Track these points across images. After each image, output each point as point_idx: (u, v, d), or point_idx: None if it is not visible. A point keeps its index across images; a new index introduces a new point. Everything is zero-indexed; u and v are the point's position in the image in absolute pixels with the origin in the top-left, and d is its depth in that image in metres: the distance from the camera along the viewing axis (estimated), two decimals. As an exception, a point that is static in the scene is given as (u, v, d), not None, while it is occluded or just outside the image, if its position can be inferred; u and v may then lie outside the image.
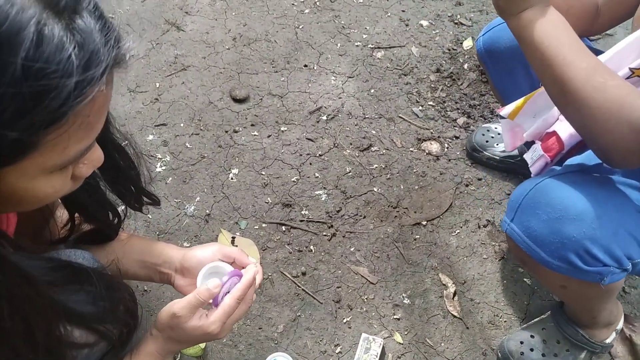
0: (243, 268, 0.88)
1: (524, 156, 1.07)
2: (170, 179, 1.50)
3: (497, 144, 1.50)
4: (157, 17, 1.95)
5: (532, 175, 1.04)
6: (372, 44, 1.87)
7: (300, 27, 1.93)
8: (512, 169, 1.49)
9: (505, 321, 1.24)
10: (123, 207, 0.91)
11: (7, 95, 0.42)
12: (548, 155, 0.98)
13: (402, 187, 1.48)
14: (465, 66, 1.79)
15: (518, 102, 1.08)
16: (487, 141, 1.51)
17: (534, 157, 1.01)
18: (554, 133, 1.00)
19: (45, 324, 0.57)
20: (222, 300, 0.80)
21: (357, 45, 1.86)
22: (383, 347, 1.17)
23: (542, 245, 0.82)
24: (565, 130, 0.99)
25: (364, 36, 1.90)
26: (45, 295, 0.57)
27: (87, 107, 0.48)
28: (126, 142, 0.83)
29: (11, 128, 0.43)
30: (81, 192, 0.81)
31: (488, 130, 1.54)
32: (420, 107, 1.67)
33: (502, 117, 1.17)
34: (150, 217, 1.42)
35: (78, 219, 0.88)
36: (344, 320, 1.24)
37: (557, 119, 1.02)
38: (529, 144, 1.15)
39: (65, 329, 0.61)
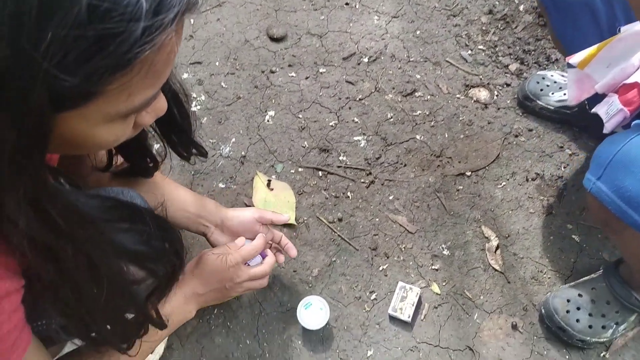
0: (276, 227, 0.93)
1: (597, 111, 0.98)
2: (205, 119, 1.47)
3: (552, 93, 1.39)
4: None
5: (605, 132, 0.94)
6: (419, -18, 1.73)
7: (343, -38, 1.80)
8: (567, 120, 1.39)
9: (549, 278, 1.18)
10: (158, 146, 0.88)
11: (70, 38, 0.38)
12: (628, 109, 0.89)
13: (446, 136, 1.40)
14: (521, 8, 1.65)
15: (590, 49, 0.98)
16: (541, 90, 1.40)
17: (611, 112, 0.92)
18: (636, 84, 0.89)
19: (106, 260, 0.56)
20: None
21: (403, -17, 1.74)
22: (420, 297, 1.14)
23: (638, 207, 0.74)
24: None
25: (412, -27, 1.76)
26: (104, 234, 0.55)
27: (155, 55, 0.44)
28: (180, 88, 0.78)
29: (74, 73, 0.39)
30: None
31: (543, 78, 1.42)
32: (470, 51, 1.56)
33: (570, 66, 1.06)
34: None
35: (115, 158, 0.86)
36: (380, 268, 1.20)
37: (638, 68, 0.92)
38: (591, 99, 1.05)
39: (124, 265, 0.60)
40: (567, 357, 1.09)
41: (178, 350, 1.11)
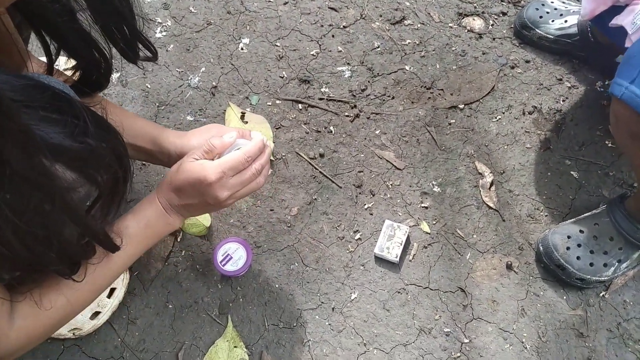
0: None
1: (619, 22, 0.86)
2: (171, 46, 1.31)
3: (552, 21, 1.28)
4: None
5: (627, 45, 0.84)
6: None
7: None
8: (567, 51, 1.28)
9: (546, 215, 1.10)
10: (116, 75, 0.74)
11: None
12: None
13: (437, 67, 1.28)
14: None
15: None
16: (540, 17, 1.29)
17: (638, 21, 0.80)
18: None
19: (22, 152, 0.43)
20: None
21: None
22: (408, 236, 1.04)
23: None
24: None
25: None
26: (18, 118, 0.42)
27: None
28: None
29: None
30: (50, 14, 0.65)
31: (543, 5, 1.31)
32: (464, -23, 1.42)
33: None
34: (148, 86, 1.25)
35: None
36: (365, 206, 1.10)
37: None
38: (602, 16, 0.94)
39: (48, 163, 0.47)
40: (564, 297, 1.01)
41: (140, 296, 1.00)
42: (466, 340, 0.97)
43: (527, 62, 1.29)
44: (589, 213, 1.04)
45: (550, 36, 1.27)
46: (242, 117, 1.19)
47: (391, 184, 1.13)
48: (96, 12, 0.67)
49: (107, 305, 0.94)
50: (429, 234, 1.07)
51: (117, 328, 0.97)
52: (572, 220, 1.04)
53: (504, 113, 1.22)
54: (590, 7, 0.97)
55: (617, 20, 0.87)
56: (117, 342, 0.96)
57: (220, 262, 0.97)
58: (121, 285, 0.97)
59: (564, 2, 1.31)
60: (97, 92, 0.80)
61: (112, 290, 0.95)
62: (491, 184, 1.12)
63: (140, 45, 0.76)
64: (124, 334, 0.97)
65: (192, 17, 1.36)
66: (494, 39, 1.33)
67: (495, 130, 1.20)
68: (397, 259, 1.01)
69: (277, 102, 1.24)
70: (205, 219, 1.04)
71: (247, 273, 1.02)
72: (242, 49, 1.31)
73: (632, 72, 0.69)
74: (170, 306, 1.00)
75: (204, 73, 1.27)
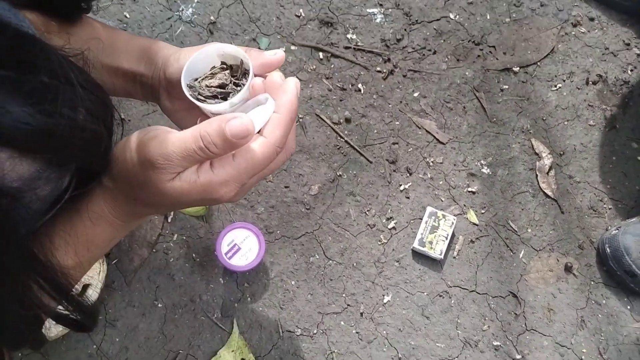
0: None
1: None
2: (158, -36, 1.02)
3: (627, -29, 1.06)
4: None
5: None
6: None
7: None
8: (637, 10, 1.08)
9: (610, 208, 0.93)
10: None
11: None
12: None
13: (488, 18, 1.05)
14: None
15: None
16: (613, -35, 1.06)
17: None
18: None
19: None
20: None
21: None
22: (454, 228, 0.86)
23: None
24: None
25: None
26: None
27: None
28: None
29: None
30: None
31: (617, -51, 1.08)
32: None
33: None
34: (127, 15, 0.97)
35: None
36: (401, 188, 0.90)
37: None
38: None
39: None
40: (628, 307, 0.87)
41: (121, 292, 0.79)
42: (518, 357, 0.82)
43: (592, 20, 1.08)
44: (665, 210, 0.88)
45: (622, -10, 1.06)
46: (250, 64, 0.94)
47: (432, 161, 0.93)
48: None
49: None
50: (477, 225, 0.89)
51: (92, 332, 0.76)
52: (646, 217, 0.88)
53: (564, 81, 1.02)
54: None
55: None
56: (91, 349, 0.76)
57: (226, 254, 0.76)
58: (97, 279, 0.75)
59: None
60: (73, 20, 0.54)
61: (85, 288, 0.73)
62: (550, 168, 0.94)
63: None
64: (101, 340, 0.76)
65: None
66: (553, -13, 1.10)
67: (554, 101, 1.00)
68: (442, 256, 0.83)
69: (293, 48, 0.99)
70: (204, 196, 0.82)
71: (256, 266, 0.82)
72: (248, -25, 1.04)
73: None
74: (159, 305, 0.79)
75: (200, 4, 1.00)
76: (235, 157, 0.40)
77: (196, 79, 0.45)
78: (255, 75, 0.44)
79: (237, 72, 0.45)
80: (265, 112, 0.41)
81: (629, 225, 0.87)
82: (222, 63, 0.45)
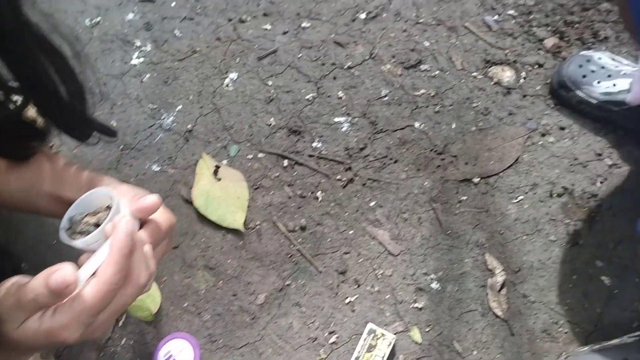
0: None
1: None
2: (147, 75, 1.14)
3: (598, 82, 1.06)
4: None
5: None
6: None
7: None
8: (611, 120, 1.07)
9: (565, 332, 0.90)
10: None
11: None
12: None
13: (453, 127, 1.08)
14: (569, -36, 1.28)
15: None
16: (583, 76, 1.07)
17: None
18: None
19: None
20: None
21: None
22: (393, 346, 0.86)
23: None
24: None
25: None
26: None
27: None
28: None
29: None
30: None
31: (588, 61, 1.09)
32: (496, 16, 1.21)
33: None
34: (115, 123, 1.08)
35: None
36: (347, 300, 0.92)
37: None
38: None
39: None
40: None
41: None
42: None
43: (562, 129, 1.08)
44: (617, 341, 0.84)
45: (593, 101, 1.06)
46: (216, 172, 1.02)
47: (381, 274, 0.95)
48: (38, 100, 0.50)
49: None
50: (420, 344, 0.89)
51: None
52: (596, 347, 0.84)
53: (527, 193, 1.02)
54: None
55: None
56: None
57: (162, 364, 0.81)
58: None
59: (614, 60, 1.09)
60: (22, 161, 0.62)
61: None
62: (502, 286, 0.93)
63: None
64: None
65: (175, 42, 1.18)
66: (524, 96, 1.12)
67: (514, 214, 1.00)
68: (376, 377, 0.84)
69: (260, 155, 1.06)
70: (153, 302, 0.88)
71: (196, 373, 0.86)
72: (227, 85, 1.13)
73: None
74: (100, 408, 0.84)
75: (180, 112, 1.10)
76: (71, 302, 0.44)
77: (83, 214, 0.50)
78: (141, 218, 0.50)
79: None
80: (99, 255, 0.45)
81: (578, 355, 0.84)
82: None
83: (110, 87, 1.12)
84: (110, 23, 1.20)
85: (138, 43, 1.18)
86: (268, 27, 1.19)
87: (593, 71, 1.07)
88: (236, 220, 0.97)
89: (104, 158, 1.04)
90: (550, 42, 1.17)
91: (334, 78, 1.14)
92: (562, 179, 1.03)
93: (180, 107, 1.11)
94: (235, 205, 0.98)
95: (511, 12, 1.21)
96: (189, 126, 1.08)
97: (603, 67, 1.08)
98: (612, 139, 1.07)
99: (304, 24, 1.20)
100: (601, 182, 1.03)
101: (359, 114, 1.10)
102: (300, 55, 1.16)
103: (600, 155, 1.06)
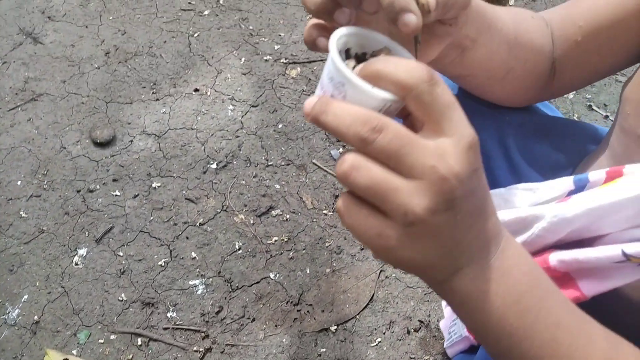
0: None
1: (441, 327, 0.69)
2: (-10, 267, 1.09)
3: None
4: (9, 24, 1.49)
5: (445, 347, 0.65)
6: (285, 58, 1.44)
7: (196, 34, 1.49)
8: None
9: None
10: None
11: None
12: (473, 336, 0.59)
13: (308, 272, 1.09)
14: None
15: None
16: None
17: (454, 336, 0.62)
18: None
19: None
20: None
21: (266, 60, 1.43)
22: None
23: None
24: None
25: (276, 47, 1.47)
26: None
27: None
28: None
29: None
30: None
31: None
32: (341, 148, 1.26)
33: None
34: (-49, 330, 1.01)
35: None
36: None
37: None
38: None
39: None
40: None
41: None
42: None
43: (413, 255, 1.11)
44: None
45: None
46: (62, 369, 0.96)
47: None
48: None
49: None
50: None
51: None
52: None
53: (384, 333, 1.02)
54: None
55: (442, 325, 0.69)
56: None
57: None
58: None
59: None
60: None
61: None
62: None
63: None
64: None
65: (21, 223, 1.15)
66: (375, 226, 1.15)
67: (374, 358, 0.99)
68: None
69: (112, 337, 1.01)
70: None
71: None
72: (76, 263, 1.10)
73: None
74: None
75: (26, 303, 1.05)
76: None
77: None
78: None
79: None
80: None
81: None
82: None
83: (-51, 287, 1.06)
84: (-49, 214, 1.16)
85: (-19, 231, 1.14)
86: (117, 193, 1.19)
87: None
88: None
89: (-64, 375, 0.97)
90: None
91: (187, 237, 1.13)
92: (417, 312, 1.04)
93: (26, 296, 1.06)
94: (82, 406, 0.92)
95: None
96: (36, 317, 1.03)
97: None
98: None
99: (154, 184, 1.20)
100: (455, 307, 1.04)
101: (213, 273, 1.09)
102: (152, 218, 1.16)
103: (452, 277, 1.08)
